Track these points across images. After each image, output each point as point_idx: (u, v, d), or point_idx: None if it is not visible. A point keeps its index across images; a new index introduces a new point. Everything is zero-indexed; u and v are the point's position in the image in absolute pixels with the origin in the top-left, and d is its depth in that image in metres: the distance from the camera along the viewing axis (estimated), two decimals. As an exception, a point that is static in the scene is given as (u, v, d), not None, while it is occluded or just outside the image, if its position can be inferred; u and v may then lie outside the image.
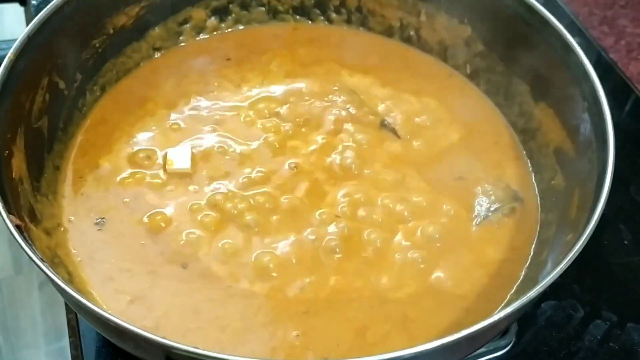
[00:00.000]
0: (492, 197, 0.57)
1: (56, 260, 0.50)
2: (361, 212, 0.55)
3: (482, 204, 0.57)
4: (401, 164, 0.59)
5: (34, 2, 0.77)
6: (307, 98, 0.64)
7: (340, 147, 0.60)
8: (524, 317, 0.55)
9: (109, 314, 0.40)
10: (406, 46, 0.70)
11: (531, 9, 0.59)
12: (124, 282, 0.51)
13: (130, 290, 0.50)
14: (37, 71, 0.55)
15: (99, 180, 0.57)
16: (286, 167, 0.58)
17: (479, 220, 0.56)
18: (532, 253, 0.54)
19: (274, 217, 0.54)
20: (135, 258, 0.52)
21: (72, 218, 0.54)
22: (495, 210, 0.56)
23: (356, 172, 0.58)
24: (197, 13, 0.69)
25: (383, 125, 0.62)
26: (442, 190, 0.57)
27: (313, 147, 0.60)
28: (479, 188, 0.58)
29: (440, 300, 0.51)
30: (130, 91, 0.65)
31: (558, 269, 0.43)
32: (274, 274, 0.51)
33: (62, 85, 0.59)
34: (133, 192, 0.56)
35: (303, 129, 0.61)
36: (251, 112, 0.62)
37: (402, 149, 0.60)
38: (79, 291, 0.43)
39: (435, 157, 0.60)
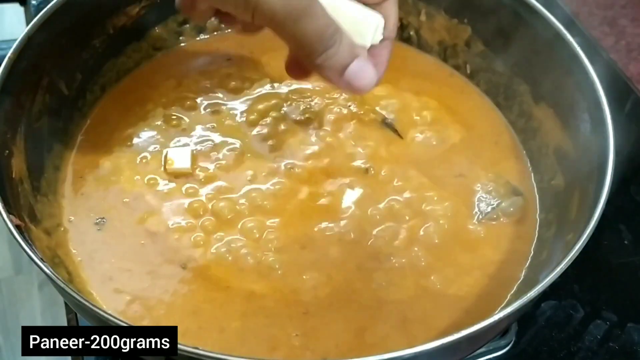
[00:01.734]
0: (493, 193, 0.57)
1: (56, 260, 0.50)
2: (361, 212, 0.55)
3: (482, 200, 0.57)
4: (402, 163, 0.59)
5: (34, 2, 0.77)
6: (308, 95, 0.64)
7: (341, 146, 0.60)
8: (524, 317, 0.55)
9: (109, 314, 0.40)
10: (406, 46, 0.70)
11: (531, 9, 0.58)
12: (124, 281, 0.51)
13: (129, 290, 0.50)
14: (37, 71, 0.55)
15: (98, 180, 0.57)
16: (287, 167, 0.58)
17: (480, 217, 0.56)
18: (532, 253, 0.54)
19: (274, 218, 0.54)
20: (135, 258, 0.52)
21: (72, 218, 0.54)
22: (496, 206, 0.56)
23: (357, 172, 0.58)
24: (197, 13, 0.69)
25: (384, 124, 0.62)
26: (443, 188, 0.57)
27: (314, 146, 0.60)
28: (479, 185, 0.58)
29: (440, 301, 0.51)
30: (131, 91, 0.65)
31: (558, 269, 0.43)
32: (273, 275, 0.51)
33: (62, 85, 0.59)
34: (133, 192, 0.56)
35: (304, 128, 0.61)
36: (252, 111, 0.62)
37: (403, 148, 0.60)
38: (78, 291, 0.43)
39: (436, 157, 0.60)
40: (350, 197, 0.56)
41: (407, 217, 0.55)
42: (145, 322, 0.48)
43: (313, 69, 0.43)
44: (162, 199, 0.55)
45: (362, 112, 0.62)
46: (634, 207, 0.63)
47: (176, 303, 0.50)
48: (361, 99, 0.63)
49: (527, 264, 0.54)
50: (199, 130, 0.61)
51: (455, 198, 0.57)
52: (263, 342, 0.48)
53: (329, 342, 0.48)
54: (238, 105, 0.63)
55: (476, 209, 0.56)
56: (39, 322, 1.04)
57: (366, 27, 0.45)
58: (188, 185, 0.56)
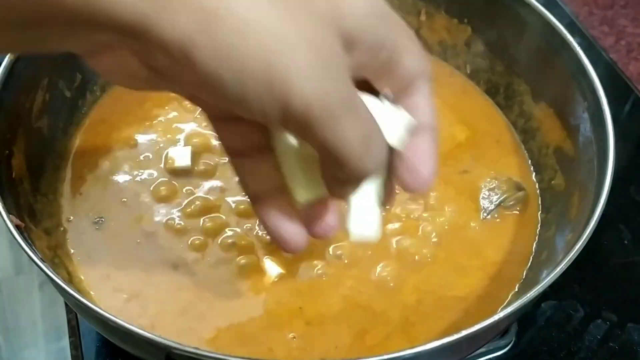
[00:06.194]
0: (496, 190, 0.57)
1: (56, 260, 0.50)
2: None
3: (486, 197, 0.57)
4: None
5: (33, 1, 0.77)
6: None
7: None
8: (524, 317, 0.55)
9: (109, 314, 0.40)
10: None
11: (531, 9, 0.58)
12: (120, 279, 0.51)
13: (126, 289, 0.50)
14: (37, 71, 0.55)
15: (97, 179, 0.57)
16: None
17: (484, 214, 0.56)
18: (533, 253, 0.54)
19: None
20: (131, 256, 0.52)
21: (72, 218, 0.54)
22: (500, 203, 0.56)
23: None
24: (197, 13, 0.69)
25: None
26: (448, 184, 0.57)
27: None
28: (483, 182, 0.58)
29: (441, 302, 0.51)
30: (130, 91, 0.64)
31: (558, 269, 0.43)
32: (270, 277, 0.51)
33: (62, 85, 0.59)
34: (131, 191, 0.56)
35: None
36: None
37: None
38: (78, 291, 0.43)
39: (442, 154, 0.60)
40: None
41: (411, 216, 0.55)
42: (142, 321, 0.48)
43: (345, 177, 0.31)
44: (160, 198, 0.55)
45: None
46: (634, 207, 0.63)
47: (168, 302, 0.49)
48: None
49: (529, 264, 0.54)
50: (199, 128, 0.60)
51: (460, 195, 0.57)
52: (258, 345, 0.48)
53: (327, 344, 0.48)
54: (238, 105, 0.63)
55: (482, 206, 0.56)
56: (39, 322, 1.04)
57: (394, 130, 0.35)
58: (187, 184, 0.56)
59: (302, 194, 0.35)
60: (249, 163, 0.35)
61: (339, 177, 0.31)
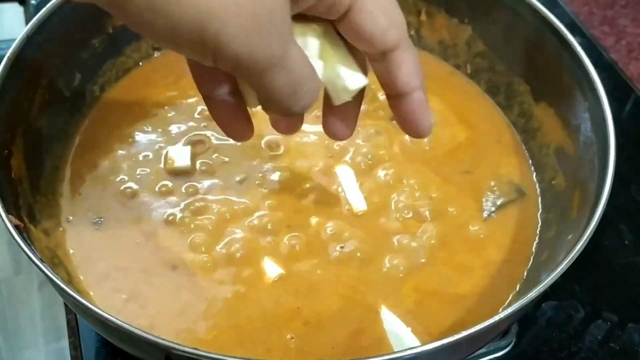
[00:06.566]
0: (497, 192, 0.57)
1: (55, 260, 0.50)
2: (367, 209, 0.55)
3: (487, 199, 0.57)
4: (411, 159, 0.59)
5: (33, 1, 0.77)
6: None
7: (348, 143, 0.59)
8: (525, 318, 0.55)
9: (108, 314, 0.40)
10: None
11: (531, 9, 0.58)
12: (120, 280, 0.51)
13: (125, 289, 0.50)
14: (36, 71, 0.55)
15: (97, 179, 0.57)
16: (290, 163, 0.57)
17: (486, 215, 0.56)
18: (534, 253, 0.54)
19: (274, 220, 0.54)
20: (130, 257, 0.52)
21: (71, 218, 0.54)
22: (501, 205, 0.56)
23: (364, 168, 0.58)
24: (197, 13, 0.69)
25: (393, 120, 0.62)
26: (449, 184, 0.57)
27: (319, 142, 0.59)
28: (484, 184, 0.58)
29: (442, 301, 0.51)
30: (130, 91, 0.64)
31: (559, 269, 0.43)
32: (269, 277, 0.51)
33: (61, 85, 0.59)
34: (131, 191, 0.56)
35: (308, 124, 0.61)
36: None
37: (412, 144, 0.60)
38: (77, 291, 0.43)
39: (441, 155, 0.60)
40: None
41: (412, 215, 0.55)
42: (141, 321, 0.48)
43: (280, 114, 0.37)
44: (160, 198, 0.55)
45: (372, 109, 0.62)
46: (634, 207, 0.63)
47: (167, 303, 0.49)
48: (372, 94, 0.63)
49: (530, 264, 0.53)
50: (199, 129, 0.60)
51: (461, 195, 0.57)
52: (256, 346, 0.47)
53: (325, 344, 0.48)
54: (238, 105, 0.63)
55: (483, 208, 0.56)
56: (39, 323, 1.04)
57: (343, 88, 0.40)
58: (187, 184, 0.56)
59: (252, 103, 0.39)
60: (206, 69, 0.36)
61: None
